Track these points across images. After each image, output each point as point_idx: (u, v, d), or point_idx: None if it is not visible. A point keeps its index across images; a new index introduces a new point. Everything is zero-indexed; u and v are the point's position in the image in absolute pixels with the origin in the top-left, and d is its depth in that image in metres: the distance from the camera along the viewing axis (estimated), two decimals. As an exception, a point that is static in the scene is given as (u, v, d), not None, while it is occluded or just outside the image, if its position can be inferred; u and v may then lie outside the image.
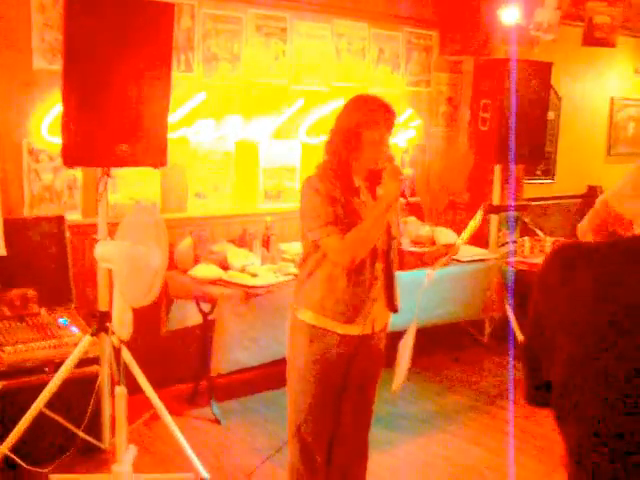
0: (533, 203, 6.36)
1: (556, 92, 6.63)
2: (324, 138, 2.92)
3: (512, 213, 5.87)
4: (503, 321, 5.42)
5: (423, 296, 2.94)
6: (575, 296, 1.02)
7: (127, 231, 3.10)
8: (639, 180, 1.49)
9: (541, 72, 5.61)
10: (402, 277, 2.99)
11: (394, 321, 3.04)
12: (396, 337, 3.28)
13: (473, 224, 2.91)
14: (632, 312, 0.95)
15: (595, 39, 5.97)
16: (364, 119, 2.76)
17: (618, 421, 0.98)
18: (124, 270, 2.99)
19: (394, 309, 2.95)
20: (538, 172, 6.86)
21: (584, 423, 1.00)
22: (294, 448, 2.95)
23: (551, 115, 6.46)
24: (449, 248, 2.94)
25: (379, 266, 2.82)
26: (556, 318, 1.03)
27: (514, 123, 5.23)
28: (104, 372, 3.61)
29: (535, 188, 6.68)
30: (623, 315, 0.95)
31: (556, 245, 1.06)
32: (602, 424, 0.99)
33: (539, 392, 1.20)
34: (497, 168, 5.76)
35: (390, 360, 3.13)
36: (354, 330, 2.81)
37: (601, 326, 0.99)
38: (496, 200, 5.80)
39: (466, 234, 2.91)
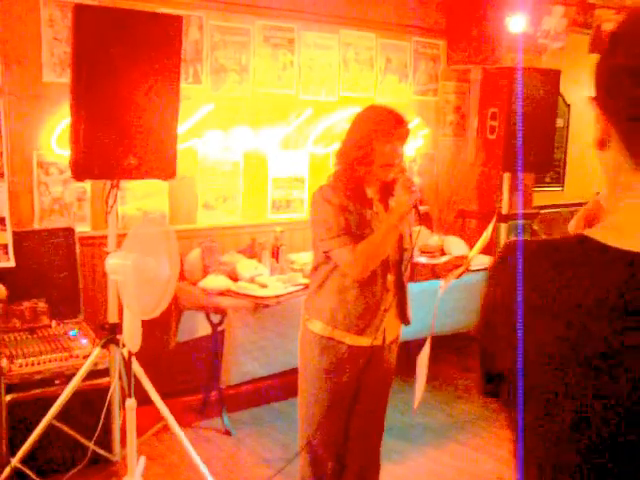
0: (542, 211, 6.35)
1: (564, 99, 6.63)
2: (335, 147, 2.92)
3: (521, 221, 5.85)
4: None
5: (433, 306, 2.94)
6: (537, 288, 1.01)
7: (135, 243, 3.10)
8: None
9: (549, 80, 5.60)
10: (413, 288, 2.99)
11: (406, 331, 3.04)
12: (408, 347, 3.28)
13: (486, 235, 2.90)
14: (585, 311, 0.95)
15: (602, 46, 5.96)
16: (377, 132, 2.75)
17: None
18: (132, 282, 2.99)
19: (406, 321, 2.94)
20: (547, 180, 6.85)
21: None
22: (304, 459, 2.95)
23: (560, 123, 6.45)
24: (462, 260, 2.93)
25: (390, 277, 2.82)
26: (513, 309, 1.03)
27: (522, 131, 5.22)
28: (114, 384, 3.61)
29: (544, 196, 6.67)
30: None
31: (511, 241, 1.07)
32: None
33: (489, 384, 1.23)
34: (506, 176, 5.74)
35: (402, 371, 3.11)
36: (365, 341, 2.80)
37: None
38: (505, 208, 5.78)
39: (479, 246, 2.90)
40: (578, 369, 0.92)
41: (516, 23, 5.44)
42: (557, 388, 0.96)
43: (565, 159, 7.03)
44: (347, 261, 2.71)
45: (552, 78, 5.63)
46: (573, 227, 1.74)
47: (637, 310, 0.88)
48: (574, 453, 0.94)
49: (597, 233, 0.95)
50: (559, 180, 7.02)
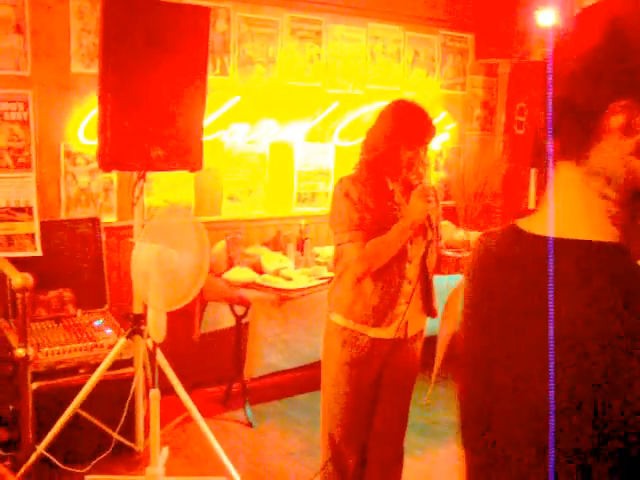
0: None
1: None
2: (361, 138, 2.90)
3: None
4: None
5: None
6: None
7: (160, 234, 3.12)
8: None
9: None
10: (438, 281, 2.96)
11: (432, 326, 3.02)
12: (434, 342, 3.26)
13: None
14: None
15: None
16: (405, 136, 2.73)
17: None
18: (154, 273, 3.01)
19: (432, 313, 2.92)
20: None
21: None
22: (326, 453, 2.94)
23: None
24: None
25: (410, 268, 2.79)
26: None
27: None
28: (138, 374, 3.63)
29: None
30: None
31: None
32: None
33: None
34: (533, 172, 5.70)
35: (428, 366, 3.09)
36: (385, 334, 2.79)
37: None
38: (532, 204, 5.73)
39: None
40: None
41: (546, 16, 5.37)
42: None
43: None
44: (354, 257, 2.73)
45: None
46: None
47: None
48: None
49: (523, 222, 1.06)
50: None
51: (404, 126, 2.75)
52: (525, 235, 1.01)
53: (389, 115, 2.82)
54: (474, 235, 5.48)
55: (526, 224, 1.03)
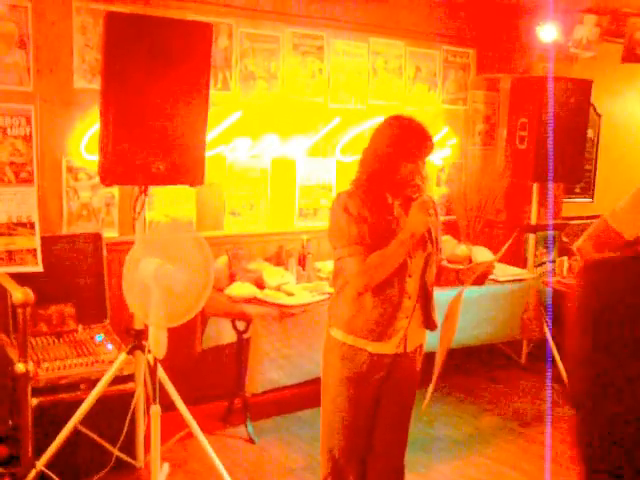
0: (571, 222, 6.27)
1: (595, 110, 6.55)
2: (359, 156, 2.89)
3: (550, 232, 5.79)
4: (541, 342, 5.35)
5: (460, 317, 2.89)
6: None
7: (157, 248, 3.11)
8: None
9: (580, 90, 5.54)
10: (439, 297, 2.95)
11: (431, 342, 3.00)
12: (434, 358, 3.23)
13: (507, 244, 2.86)
14: None
15: (635, 55, 5.88)
16: (402, 151, 2.72)
17: None
18: (153, 288, 3.01)
19: (431, 327, 2.90)
20: (577, 190, 6.76)
21: None
22: (326, 469, 2.92)
23: (590, 133, 6.38)
24: (485, 264, 2.89)
25: (411, 282, 2.78)
26: None
27: (552, 142, 5.17)
28: (139, 390, 3.61)
29: (574, 207, 6.59)
30: None
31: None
32: None
33: None
34: (535, 187, 5.70)
35: (427, 382, 3.06)
36: (385, 349, 2.78)
37: None
38: (534, 219, 5.73)
39: (501, 252, 2.86)
40: None
41: (547, 32, 5.39)
42: None
43: (595, 170, 6.94)
44: (353, 272, 2.71)
45: (583, 88, 5.57)
46: (581, 247, 1.73)
47: None
48: None
49: None
50: (589, 191, 6.93)
51: (404, 140, 2.73)
52: None
53: (387, 130, 2.80)
54: (476, 250, 5.47)
55: None
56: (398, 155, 2.72)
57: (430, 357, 2.96)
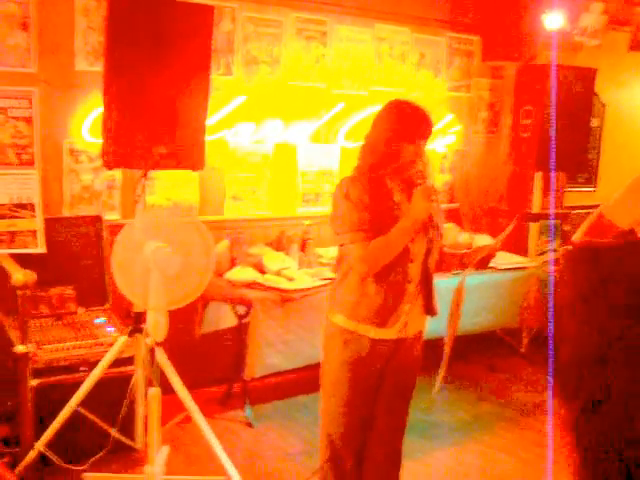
0: (574, 211, 6.26)
1: (600, 99, 6.52)
2: (361, 143, 2.90)
3: (552, 221, 5.78)
4: (541, 330, 5.35)
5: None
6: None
7: (155, 232, 3.13)
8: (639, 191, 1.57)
9: (585, 78, 5.52)
10: (440, 284, 2.95)
11: (432, 329, 3.00)
12: (434, 345, 3.24)
13: (508, 229, 2.86)
14: None
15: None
16: (402, 131, 2.72)
17: None
18: (151, 271, 3.02)
19: (432, 312, 2.91)
20: (580, 180, 6.75)
21: None
22: (324, 454, 2.93)
23: (594, 122, 6.35)
24: (488, 247, 2.89)
25: (413, 268, 2.78)
26: None
27: (556, 130, 5.15)
28: (138, 372, 3.63)
29: (577, 196, 6.57)
30: None
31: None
32: None
33: None
34: (538, 175, 5.68)
35: (427, 369, 3.07)
36: (387, 334, 2.78)
37: None
38: (536, 208, 5.72)
39: (503, 235, 2.87)
40: None
41: (553, 20, 5.35)
42: None
43: (599, 159, 6.92)
44: (356, 257, 2.72)
45: (588, 77, 5.55)
46: (578, 240, 1.74)
47: None
48: None
49: None
50: (592, 180, 6.91)
51: (401, 120, 2.75)
52: None
53: (385, 113, 2.82)
54: (479, 238, 5.46)
55: None
56: (397, 136, 2.72)
57: (430, 344, 2.97)
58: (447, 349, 2.82)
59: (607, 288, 1.01)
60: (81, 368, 3.62)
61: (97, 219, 4.17)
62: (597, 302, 1.00)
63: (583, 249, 1.06)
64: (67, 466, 3.48)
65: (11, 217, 3.83)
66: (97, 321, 3.91)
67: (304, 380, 4.53)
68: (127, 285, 3.25)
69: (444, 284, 2.87)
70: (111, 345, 3.57)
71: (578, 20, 5.54)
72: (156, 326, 3.22)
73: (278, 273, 4.44)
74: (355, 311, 2.78)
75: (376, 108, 2.91)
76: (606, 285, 1.00)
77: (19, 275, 3.33)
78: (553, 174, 5.61)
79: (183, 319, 4.08)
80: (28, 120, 3.98)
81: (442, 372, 2.85)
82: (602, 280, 1.02)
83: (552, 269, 5.43)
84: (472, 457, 4.12)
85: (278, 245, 4.89)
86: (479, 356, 5.55)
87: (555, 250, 5.71)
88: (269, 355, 4.18)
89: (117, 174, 4.32)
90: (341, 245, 2.81)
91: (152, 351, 3.37)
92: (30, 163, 4.00)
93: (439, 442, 4.26)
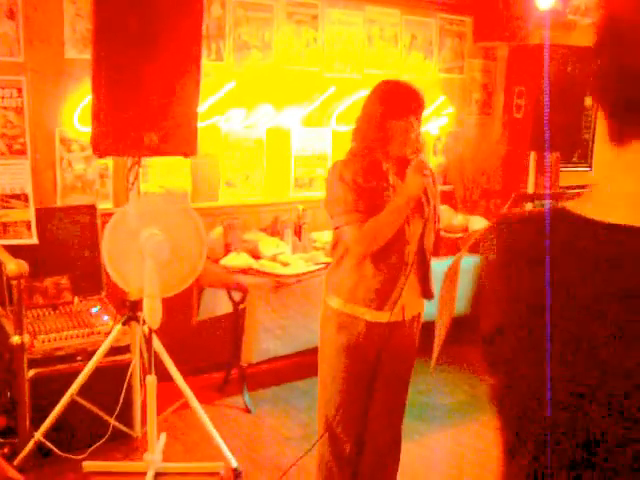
0: (569, 191, 6.25)
1: (594, 78, 6.50)
2: (352, 125, 2.89)
3: (547, 201, 5.77)
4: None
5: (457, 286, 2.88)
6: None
7: (147, 218, 3.12)
8: None
9: (579, 57, 5.49)
10: (436, 267, 2.94)
11: (431, 311, 2.99)
12: (431, 328, 3.24)
13: (504, 210, 2.85)
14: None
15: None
16: (391, 108, 2.71)
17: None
18: (145, 258, 3.01)
19: (429, 295, 2.90)
20: (574, 160, 6.74)
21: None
22: (323, 439, 2.94)
23: (588, 102, 6.34)
24: (481, 231, 2.87)
25: (409, 249, 2.78)
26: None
27: (549, 110, 5.13)
28: (135, 360, 3.63)
29: (571, 176, 6.57)
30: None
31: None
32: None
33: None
34: (532, 156, 5.67)
35: (424, 351, 3.06)
36: (383, 317, 2.78)
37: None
38: (531, 188, 5.71)
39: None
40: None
41: (544, -1, 5.32)
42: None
43: (593, 139, 6.91)
44: (352, 239, 2.72)
45: (582, 56, 5.52)
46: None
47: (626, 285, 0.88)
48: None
49: (575, 206, 0.97)
50: (586, 160, 6.91)
51: (389, 97, 2.74)
52: (593, 223, 0.93)
53: (375, 92, 2.82)
54: (474, 220, 5.46)
55: (586, 210, 0.95)
56: (386, 113, 2.71)
57: (429, 326, 2.97)
58: (442, 331, 2.81)
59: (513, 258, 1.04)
60: (78, 357, 3.62)
61: (91, 208, 4.16)
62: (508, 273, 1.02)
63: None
64: (66, 455, 3.50)
65: (4, 208, 3.82)
66: (93, 310, 3.90)
67: (301, 365, 4.54)
68: (118, 272, 3.25)
69: (441, 268, 2.86)
70: (107, 334, 3.57)
71: (570, -1, 5.51)
72: (151, 313, 3.22)
73: (273, 258, 4.44)
74: (352, 294, 2.77)
75: (368, 91, 2.90)
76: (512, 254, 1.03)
77: (12, 265, 3.32)
78: (547, 154, 5.60)
79: (180, 306, 4.09)
80: (18, 110, 3.96)
81: (435, 354, 2.84)
82: (509, 249, 1.05)
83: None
84: (470, 438, 4.14)
85: (272, 230, 4.88)
86: (476, 337, 5.55)
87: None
88: (266, 340, 4.18)
89: (109, 162, 4.31)
90: (336, 228, 2.80)
91: (148, 339, 3.37)
92: (21, 153, 3.98)
93: (437, 424, 4.28)
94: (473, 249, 2.86)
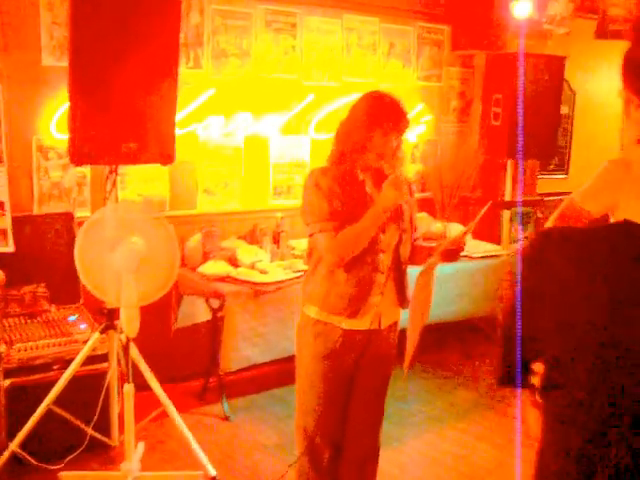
0: (546, 198, 6.31)
1: (570, 86, 6.57)
2: (335, 130, 2.88)
3: (522, 209, 5.82)
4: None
5: (435, 293, 2.89)
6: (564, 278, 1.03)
7: (117, 227, 3.12)
8: (609, 177, 1.61)
9: (554, 66, 5.55)
10: (413, 275, 2.95)
11: (406, 318, 3.00)
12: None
13: (480, 215, 2.85)
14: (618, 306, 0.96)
15: (609, 32, 5.90)
16: (376, 122, 2.71)
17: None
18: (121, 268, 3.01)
19: (405, 304, 2.91)
20: (551, 167, 6.80)
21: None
22: (301, 447, 2.94)
23: (565, 109, 6.40)
24: (455, 238, 2.88)
25: (384, 259, 2.79)
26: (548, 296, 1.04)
27: (526, 118, 5.17)
28: (112, 369, 3.61)
29: (549, 183, 6.63)
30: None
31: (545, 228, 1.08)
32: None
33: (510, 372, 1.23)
34: (509, 163, 5.72)
35: (402, 358, 3.07)
36: (359, 325, 2.78)
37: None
38: (508, 196, 5.75)
39: (472, 225, 2.85)
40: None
41: (521, 8, 5.37)
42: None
43: (570, 146, 6.98)
44: (325, 247, 2.73)
45: (557, 64, 5.58)
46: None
47: None
48: None
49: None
50: (563, 167, 6.97)
51: (377, 112, 2.73)
52: None
53: (362, 103, 2.80)
54: (451, 227, 5.48)
55: None
56: (372, 125, 2.71)
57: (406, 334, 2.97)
58: (414, 337, 2.81)
59: (577, 267, 1.03)
60: (54, 366, 3.59)
61: (68, 216, 4.14)
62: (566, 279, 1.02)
63: (552, 232, 1.07)
64: (43, 465, 3.47)
65: (-20, 216, 3.79)
66: (70, 319, 3.88)
67: (280, 373, 4.53)
68: (92, 281, 3.24)
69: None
70: (85, 342, 3.55)
71: (546, 8, 5.57)
72: (129, 322, 3.20)
73: (251, 266, 4.43)
74: (326, 302, 2.78)
75: (347, 99, 2.91)
76: (574, 264, 1.02)
77: (-12, 274, 3.29)
78: (522, 162, 5.65)
79: (158, 314, 4.07)
80: (-5, 117, 3.93)
81: (407, 360, 2.84)
82: (569, 259, 1.04)
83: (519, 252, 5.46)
84: (449, 445, 4.16)
85: (251, 238, 4.88)
86: (455, 344, 5.59)
87: (527, 237, 5.75)
88: (244, 348, 4.18)
89: (86, 170, 4.29)
90: (311, 235, 2.81)
91: (126, 347, 3.35)
92: (-2, 160, 3.95)
93: (415, 430, 4.29)
94: (449, 258, 2.87)
